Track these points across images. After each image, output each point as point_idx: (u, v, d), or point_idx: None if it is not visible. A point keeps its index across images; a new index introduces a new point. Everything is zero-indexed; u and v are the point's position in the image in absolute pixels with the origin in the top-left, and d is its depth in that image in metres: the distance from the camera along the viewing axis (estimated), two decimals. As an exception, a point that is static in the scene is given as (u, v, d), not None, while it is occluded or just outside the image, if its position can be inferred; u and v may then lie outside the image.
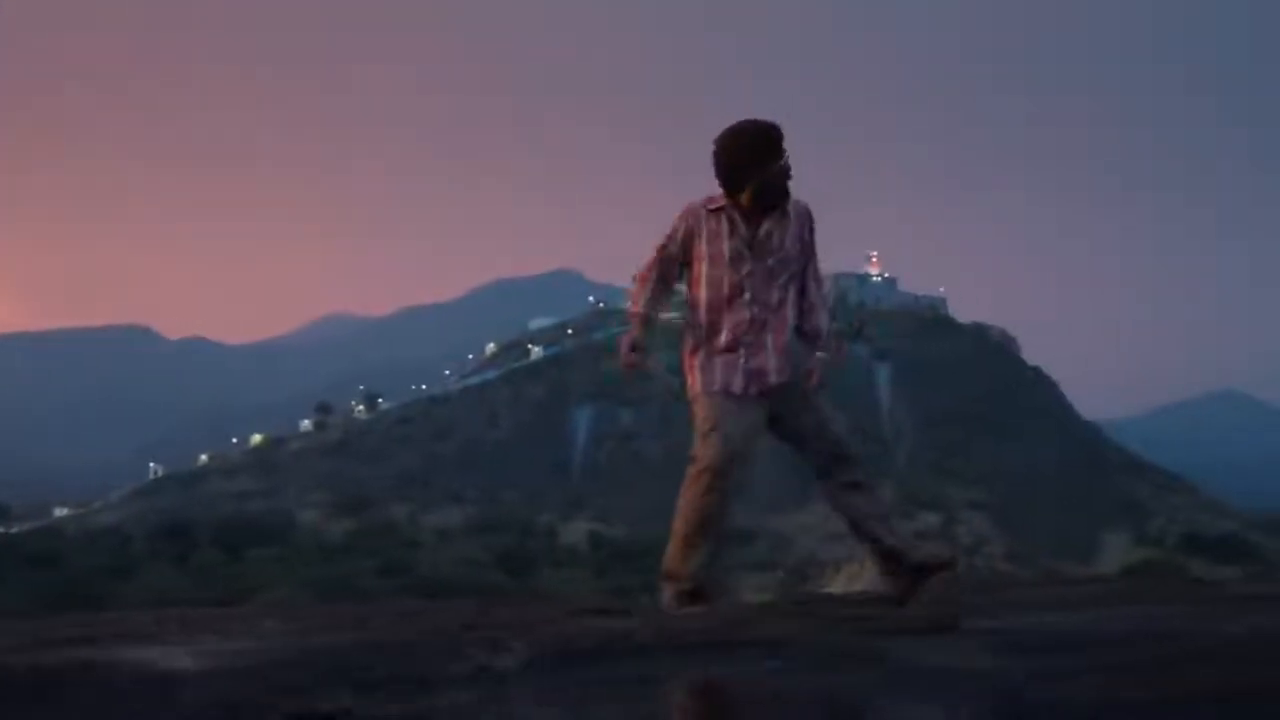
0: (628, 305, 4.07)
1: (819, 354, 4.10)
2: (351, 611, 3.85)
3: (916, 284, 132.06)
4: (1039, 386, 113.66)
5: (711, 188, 3.91)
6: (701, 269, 3.87)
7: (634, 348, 3.93)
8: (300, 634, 3.04)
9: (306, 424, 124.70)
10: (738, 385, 3.91)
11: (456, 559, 50.16)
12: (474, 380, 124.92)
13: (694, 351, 3.99)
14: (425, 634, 2.99)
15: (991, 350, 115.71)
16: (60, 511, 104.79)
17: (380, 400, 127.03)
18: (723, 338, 3.89)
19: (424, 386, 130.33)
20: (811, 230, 3.98)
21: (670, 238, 3.92)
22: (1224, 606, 3.57)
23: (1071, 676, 2.31)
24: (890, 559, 3.91)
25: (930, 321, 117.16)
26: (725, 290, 3.85)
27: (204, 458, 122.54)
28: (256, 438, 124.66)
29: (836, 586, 45.59)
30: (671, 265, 3.95)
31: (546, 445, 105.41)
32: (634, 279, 4.06)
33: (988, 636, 2.93)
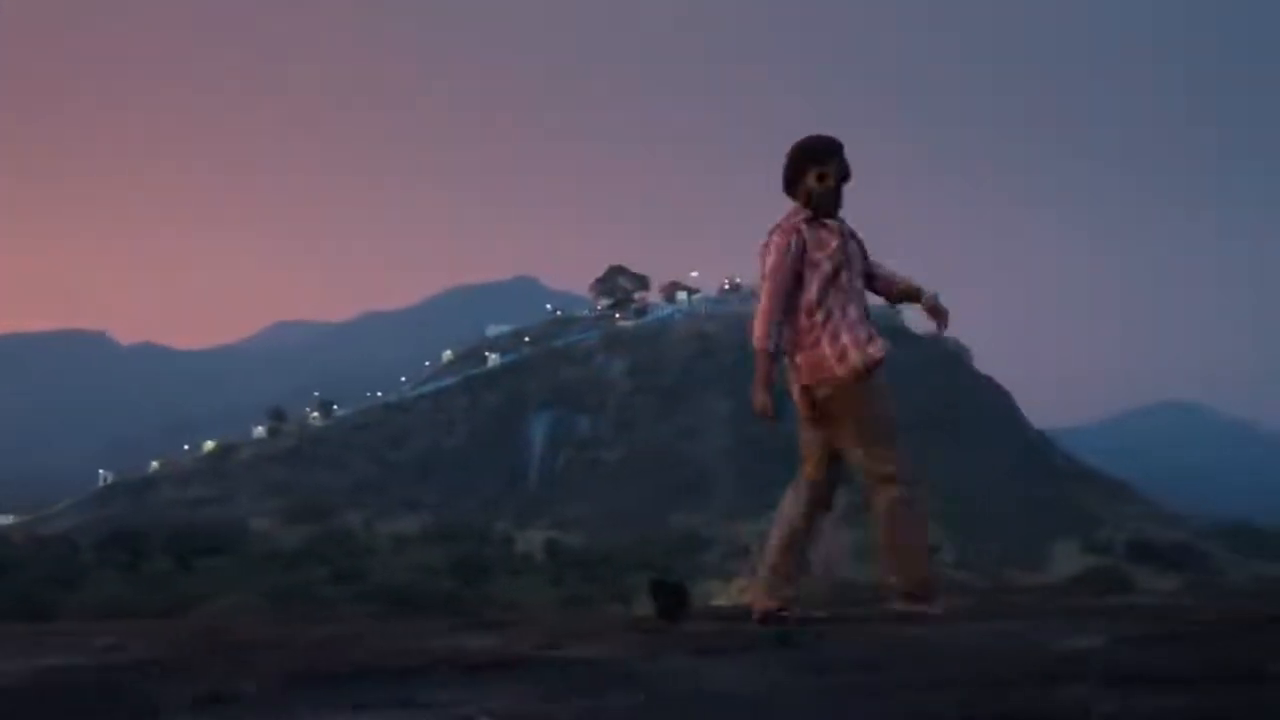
0: (758, 343, 4.17)
1: (926, 294, 4.61)
2: (158, 627, 3.77)
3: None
4: (991, 396, 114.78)
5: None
6: (817, 272, 4.21)
7: (762, 403, 4.18)
8: (66, 651, 2.95)
9: (260, 431, 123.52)
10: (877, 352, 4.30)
11: (412, 567, 49.96)
12: (430, 387, 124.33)
13: (831, 334, 4.25)
14: (183, 653, 2.86)
15: (945, 360, 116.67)
16: (6, 519, 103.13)
17: (335, 407, 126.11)
18: (853, 311, 4.28)
19: (380, 393, 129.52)
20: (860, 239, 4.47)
21: (781, 260, 4.18)
22: (1071, 623, 3.50)
23: (832, 693, 2.23)
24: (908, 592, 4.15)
25: (887, 330, 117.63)
26: (835, 282, 4.23)
27: (155, 464, 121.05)
28: (209, 444, 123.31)
29: (725, 599, 45.75)
30: (789, 290, 4.20)
31: (503, 453, 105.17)
32: (758, 320, 4.19)
33: (801, 655, 2.87)
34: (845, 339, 4.21)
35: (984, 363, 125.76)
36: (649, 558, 60.84)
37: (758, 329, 4.12)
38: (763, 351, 4.09)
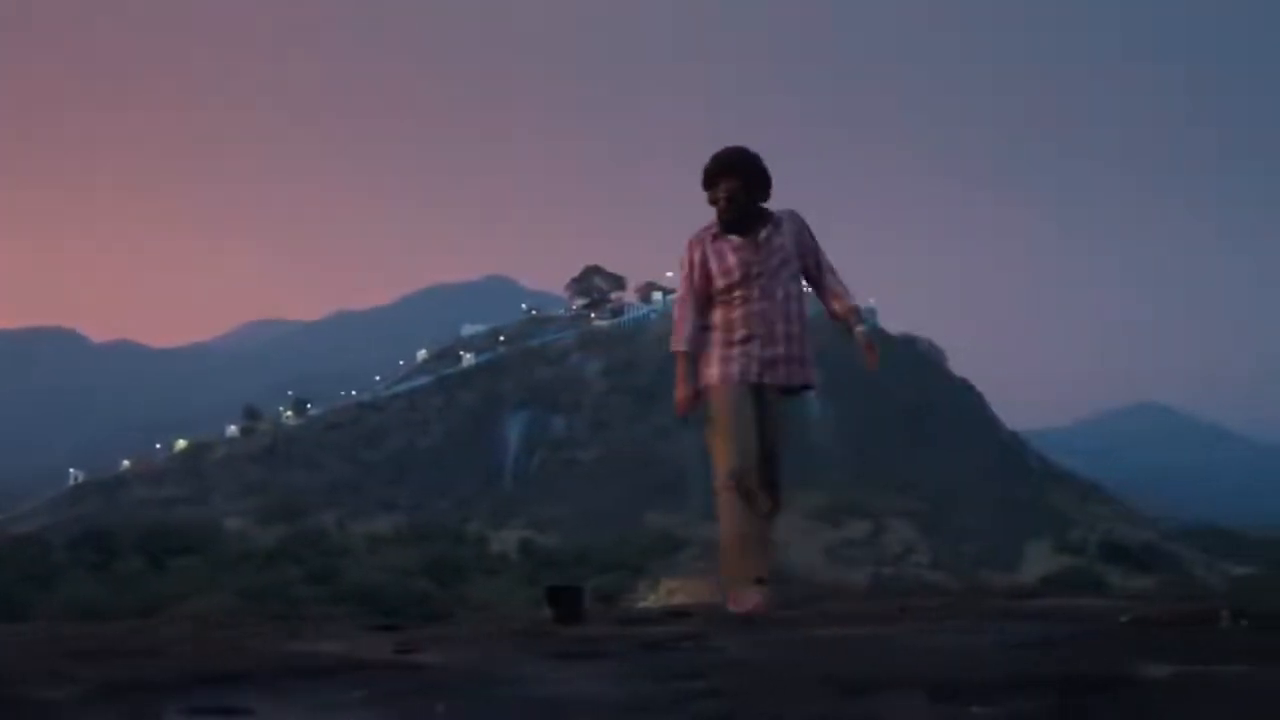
0: (673, 347, 4.41)
1: (860, 328, 4.56)
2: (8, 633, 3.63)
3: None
4: (965, 397, 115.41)
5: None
6: (719, 287, 4.33)
7: (691, 397, 4.36)
8: None
9: (233, 429, 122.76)
10: (752, 374, 4.30)
11: (386, 567, 49.73)
12: (405, 386, 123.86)
13: (712, 349, 4.39)
14: (16, 664, 2.78)
15: (919, 361, 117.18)
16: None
17: (309, 406, 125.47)
18: (740, 334, 4.30)
19: (354, 392, 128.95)
20: (809, 231, 4.47)
21: (689, 268, 4.37)
22: (967, 626, 3.45)
23: (668, 703, 2.19)
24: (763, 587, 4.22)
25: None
26: (739, 297, 4.30)
27: (127, 463, 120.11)
28: (181, 443, 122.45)
29: (651, 601, 45.74)
30: (699, 296, 4.37)
31: (478, 452, 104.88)
32: (674, 324, 4.43)
33: (674, 659, 2.83)
34: (713, 364, 4.39)
35: (959, 364, 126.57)
36: (624, 558, 60.86)
37: (673, 334, 4.41)
38: (676, 353, 4.39)
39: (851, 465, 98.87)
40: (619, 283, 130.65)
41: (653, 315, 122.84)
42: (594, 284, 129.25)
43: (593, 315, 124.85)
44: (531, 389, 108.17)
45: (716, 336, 4.37)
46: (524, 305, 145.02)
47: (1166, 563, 71.68)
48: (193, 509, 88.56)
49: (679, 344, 4.36)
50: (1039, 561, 71.41)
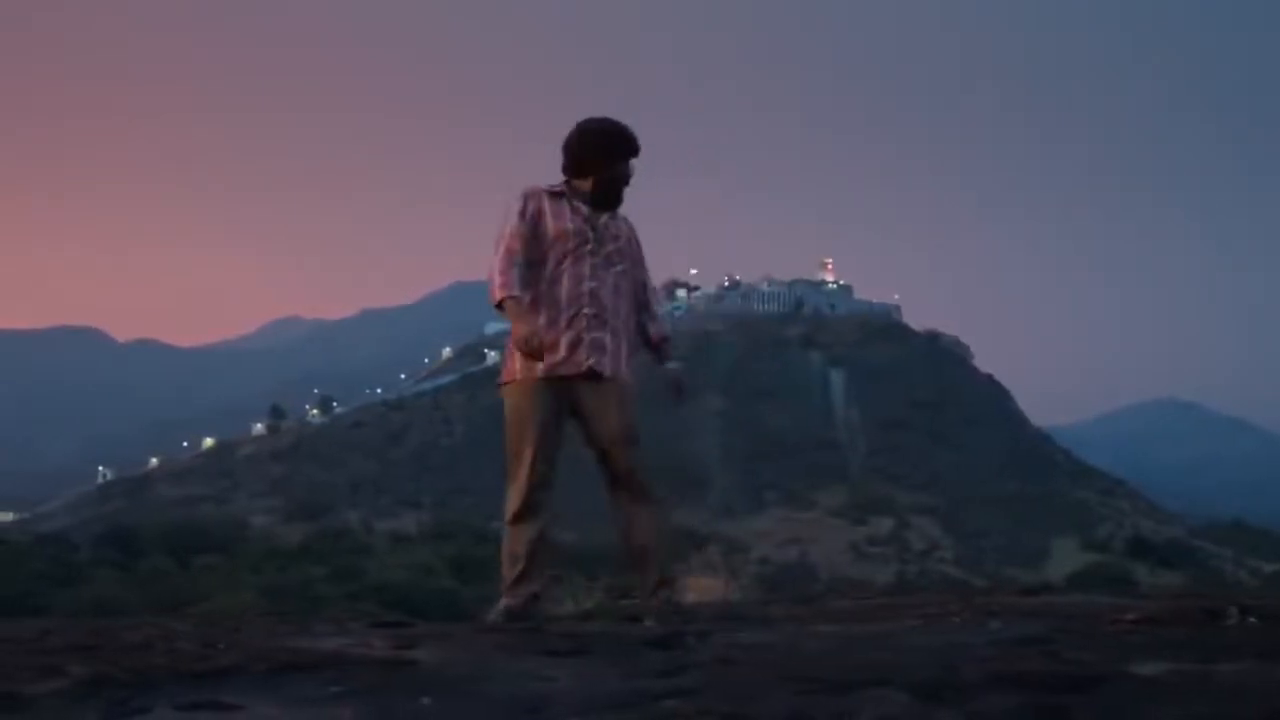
0: (499, 294, 3.72)
1: (672, 364, 4.16)
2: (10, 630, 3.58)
3: (871, 291, 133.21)
4: (990, 394, 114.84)
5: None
6: (548, 249, 3.81)
7: (534, 331, 3.69)
8: None
9: (259, 428, 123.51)
10: (575, 362, 3.79)
11: (409, 565, 49.83)
12: (430, 385, 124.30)
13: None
14: (19, 657, 2.71)
15: (944, 358, 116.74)
16: (4, 516, 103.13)
17: (334, 404, 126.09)
18: (564, 317, 3.79)
19: (379, 391, 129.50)
20: (640, 244, 4.05)
21: (521, 215, 3.81)
22: (968, 623, 3.36)
23: (632, 699, 2.18)
24: (647, 578, 3.98)
25: (884, 329, 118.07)
26: (569, 265, 3.81)
27: (153, 461, 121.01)
28: (208, 441, 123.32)
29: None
30: (528, 245, 3.79)
31: (500, 451, 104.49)
32: (495, 272, 3.76)
33: (678, 655, 2.78)
34: (515, 354, 3.87)
35: (984, 361, 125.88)
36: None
37: (496, 283, 3.73)
38: (506, 299, 3.70)
39: (875, 462, 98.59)
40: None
41: (676, 313, 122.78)
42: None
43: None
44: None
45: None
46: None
47: (1193, 559, 71.16)
48: (218, 507, 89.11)
49: (509, 288, 3.69)
50: (1064, 558, 70.96)
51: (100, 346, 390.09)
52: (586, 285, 3.81)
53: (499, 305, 3.74)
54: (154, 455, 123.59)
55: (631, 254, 3.98)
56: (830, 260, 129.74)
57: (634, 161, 3.94)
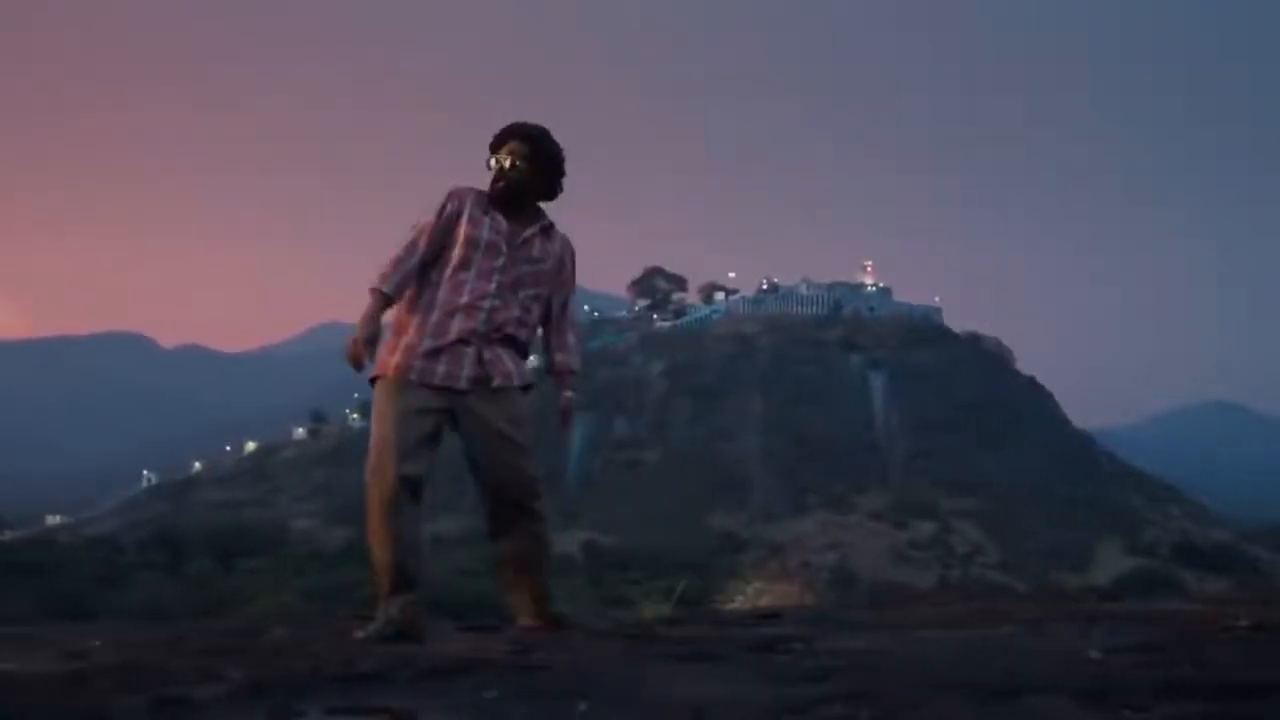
0: (374, 283, 3.56)
1: (568, 393, 3.98)
2: (135, 631, 3.69)
3: (911, 293, 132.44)
4: (1033, 396, 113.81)
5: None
6: (453, 253, 3.62)
7: (370, 340, 3.52)
8: (66, 658, 2.87)
9: (301, 432, 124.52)
10: (461, 376, 3.60)
11: (451, 568, 50.02)
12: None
13: (402, 332, 3.64)
14: (162, 659, 2.78)
15: (986, 360, 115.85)
16: (53, 519, 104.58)
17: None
18: (455, 327, 3.59)
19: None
20: (573, 266, 3.87)
21: (439, 213, 3.64)
22: (1071, 629, 3.33)
23: (786, 707, 2.16)
24: (532, 609, 3.79)
25: (924, 331, 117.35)
26: (472, 276, 3.61)
27: (197, 466, 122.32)
28: (250, 445, 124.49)
29: (742, 602, 45.49)
30: (434, 244, 3.62)
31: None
32: (387, 260, 3.60)
33: (808, 661, 2.77)
34: (397, 348, 3.64)
35: (1026, 363, 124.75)
36: (688, 559, 60.71)
37: (383, 270, 3.56)
38: (373, 291, 3.54)
39: (916, 466, 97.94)
40: (680, 284, 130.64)
41: (715, 316, 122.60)
42: (656, 285, 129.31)
43: (655, 316, 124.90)
44: (593, 391, 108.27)
45: (417, 311, 3.63)
46: (585, 307, 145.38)
47: (1242, 564, 70.15)
48: (261, 510, 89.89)
49: (383, 282, 3.53)
50: (1110, 563, 70.14)
51: (146, 352, 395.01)
52: (488, 303, 3.62)
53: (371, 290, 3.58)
54: (197, 459, 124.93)
55: (552, 278, 3.78)
56: (870, 262, 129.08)
57: (500, 157, 3.68)
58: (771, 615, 4.04)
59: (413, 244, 3.61)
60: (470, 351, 3.61)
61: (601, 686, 2.44)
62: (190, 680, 2.44)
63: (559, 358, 3.94)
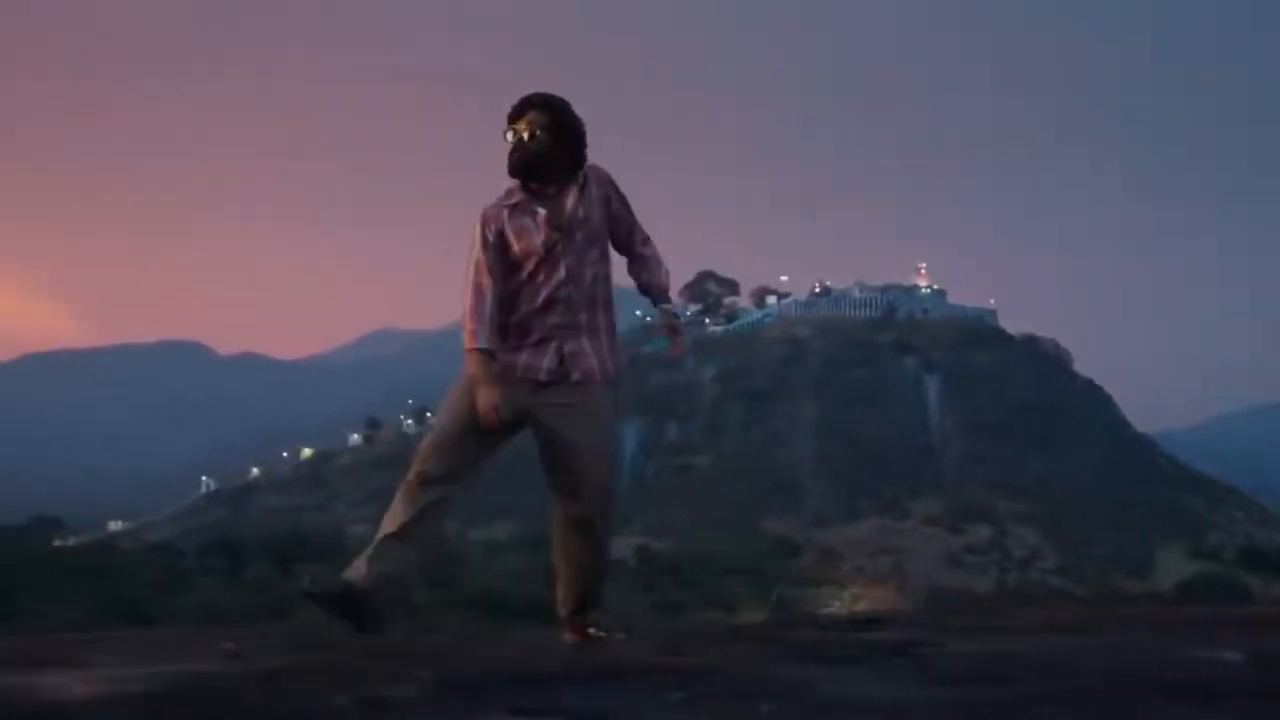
0: (469, 343, 3.55)
1: (666, 305, 3.84)
2: (295, 633, 3.77)
3: (966, 296, 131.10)
4: (1091, 399, 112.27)
5: None
6: (517, 271, 3.57)
7: (494, 405, 3.50)
8: (224, 660, 2.93)
9: (356, 438, 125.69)
10: (542, 370, 3.55)
11: (504, 574, 50.21)
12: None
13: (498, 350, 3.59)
14: (331, 660, 2.85)
15: (1043, 362, 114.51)
16: (115, 525, 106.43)
17: (429, 414, 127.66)
18: (537, 325, 3.56)
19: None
20: (619, 194, 3.73)
21: (484, 245, 3.56)
22: (1201, 634, 3.29)
23: (992, 710, 2.17)
24: (574, 620, 3.74)
25: (979, 333, 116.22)
26: (541, 277, 3.55)
27: (255, 472, 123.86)
28: (306, 451, 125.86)
29: (840, 606, 45.21)
30: (498, 275, 3.55)
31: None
32: (466, 316, 3.57)
33: (953, 663, 2.75)
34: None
35: (1085, 365, 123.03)
36: (741, 563, 60.50)
37: (469, 326, 3.55)
38: (475, 352, 3.52)
39: (972, 469, 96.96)
40: (732, 288, 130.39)
41: (767, 320, 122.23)
42: (707, 289, 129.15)
43: (707, 321, 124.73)
44: (646, 396, 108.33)
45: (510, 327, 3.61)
46: (637, 312, 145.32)
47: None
48: (318, 516, 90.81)
49: (480, 340, 3.51)
50: (1172, 568, 68.93)
51: (204, 360, 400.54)
52: (564, 293, 3.55)
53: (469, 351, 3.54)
54: (255, 466, 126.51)
55: (601, 224, 3.65)
56: (923, 264, 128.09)
57: (519, 128, 3.57)
58: (876, 620, 4.01)
59: (478, 288, 3.55)
60: (553, 345, 3.57)
61: (774, 688, 2.43)
62: (382, 681, 2.47)
63: (644, 277, 3.82)
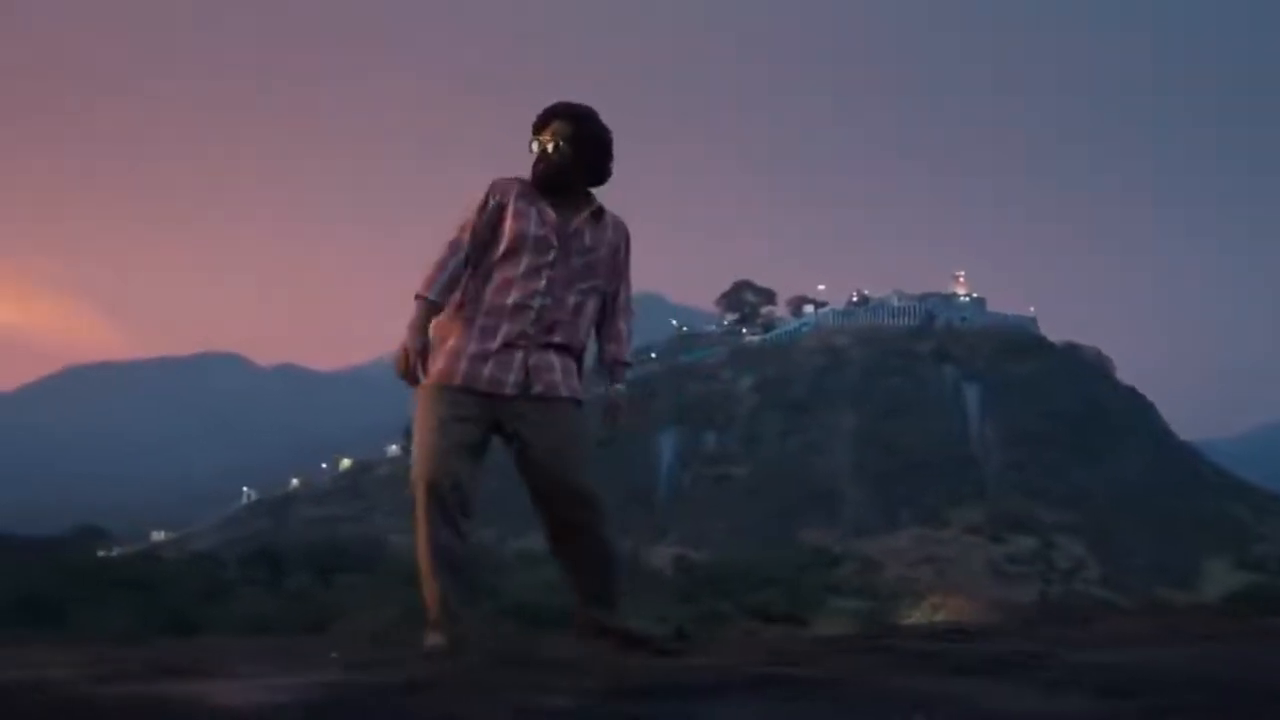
0: (419, 288, 3.40)
1: (618, 386, 3.69)
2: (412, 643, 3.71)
3: (1006, 304, 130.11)
4: (1133, 407, 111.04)
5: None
6: (499, 249, 3.45)
7: (421, 350, 3.39)
8: (346, 669, 2.92)
9: (394, 449, 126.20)
10: (508, 382, 3.43)
11: (543, 584, 50.19)
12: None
13: (447, 337, 3.48)
14: (466, 672, 2.83)
15: (1084, 370, 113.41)
16: (158, 535, 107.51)
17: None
18: (503, 330, 3.43)
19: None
20: (628, 252, 3.63)
21: (481, 209, 3.47)
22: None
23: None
24: (590, 625, 3.60)
25: (1020, 341, 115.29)
26: (520, 274, 3.43)
27: (294, 482, 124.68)
28: (345, 462, 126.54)
29: (919, 617, 44.80)
30: (479, 241, 3.45)
31: (631, 469, 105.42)
32: (430, 263, 3.44)
33: (1078, 675, 2.70)
34: (440, 353, 3.48)
35: (1127, 373, 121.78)
36: (780, 574, 60.21)
37: (425, 276, 3.40)
38: (418, 299, 3.38)
39: (1013, 479, 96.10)
40: (769, 297, 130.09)
41: (804, 329, 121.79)
42: (744, 299, 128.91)
43: (744, 330, 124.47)
44: (683, 406, 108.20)
45: (462, 313, 3.46)
46: (673, 321, 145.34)
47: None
48: (357, 526, 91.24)
49: (432, 290, 3.37)
50: (1219, 579, 68.00)
51: (243, 372, 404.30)
52: (537, 301, 3.43)
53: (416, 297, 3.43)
54: (294, 476, 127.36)
55: (607, 267, 3.57)
56: (962, 273, 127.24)
57: (544, 139, 3.52)
58: (971, 631, 3.97)
59: (455, 243, 3.46)
60: (519, 355, 3.45)
61: (914, 698, 2.39)
62: (530, 691, 2.46)
63: (610, 348, 3.69)
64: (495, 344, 3.44)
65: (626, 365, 3.70)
